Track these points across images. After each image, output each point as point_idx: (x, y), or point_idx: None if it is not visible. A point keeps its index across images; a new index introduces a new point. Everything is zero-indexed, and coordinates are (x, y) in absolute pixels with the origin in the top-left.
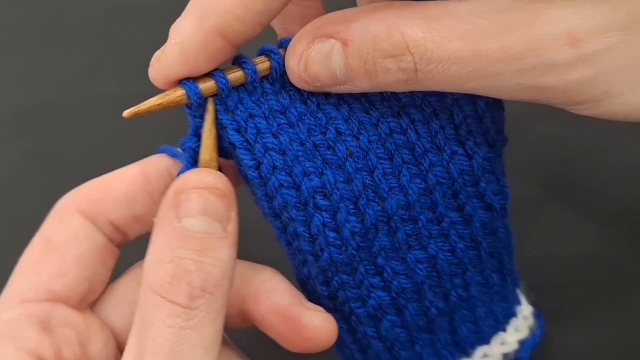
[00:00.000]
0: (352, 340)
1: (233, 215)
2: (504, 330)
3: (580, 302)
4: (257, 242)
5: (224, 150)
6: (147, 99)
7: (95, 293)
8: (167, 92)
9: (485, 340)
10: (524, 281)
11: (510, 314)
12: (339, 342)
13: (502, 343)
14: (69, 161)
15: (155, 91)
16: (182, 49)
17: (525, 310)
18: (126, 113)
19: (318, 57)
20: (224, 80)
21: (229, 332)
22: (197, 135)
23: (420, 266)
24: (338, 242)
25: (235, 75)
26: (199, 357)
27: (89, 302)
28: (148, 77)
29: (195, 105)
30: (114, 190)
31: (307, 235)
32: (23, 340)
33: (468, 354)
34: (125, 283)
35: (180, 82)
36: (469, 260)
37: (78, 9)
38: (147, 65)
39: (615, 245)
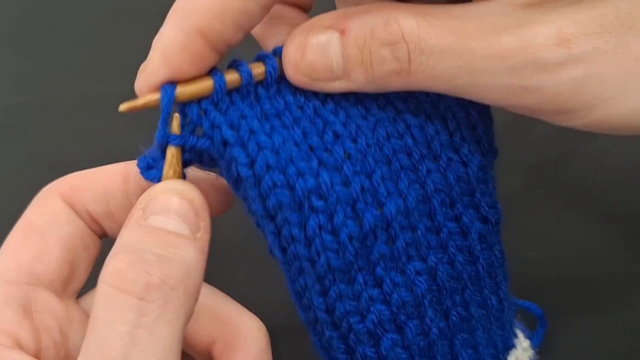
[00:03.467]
0: None
1: (203, 225)
2: None
3: (580, 302)
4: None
5: (208, 157)
6: None
7: (78, 280)
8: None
9: None
10: (521, 285)
11: (510, 344)
12: None
13: None
14: (69, 161)
15: None
16: (163, 52)
17: (523, 343)
18: (122, 107)
19: (316, 45)
20: (220, 81)
21: None
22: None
23: (420, 278)
24: (335, 246)
25: (231, 77)
26: None
27: (73, 290)
28: None
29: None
30: (94, 182)
31: (303, 238)
32: (1, 320)
33: None
34: None
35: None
36: (468, 277)
37: (78, 9)
38: None
39: (614, 245)
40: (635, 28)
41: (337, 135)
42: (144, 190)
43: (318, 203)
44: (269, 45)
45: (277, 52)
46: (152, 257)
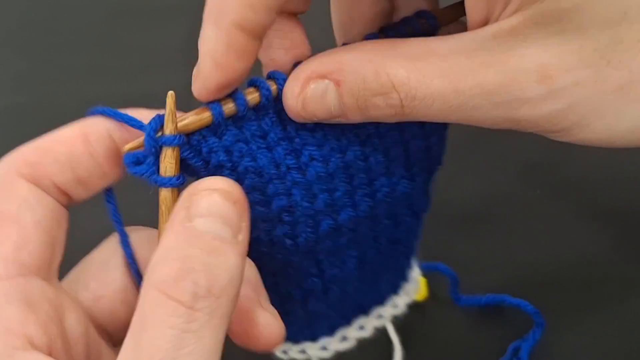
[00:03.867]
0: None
1: (244, 225)
2: (396, 293)
3: (580, 302)
4: None
5: (190, 168)
6: (146, 99)
7: (57, 258)
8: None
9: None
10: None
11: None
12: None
13: (395, 306)
14: None
15: (155, 90)
16: (211, 56)
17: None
18: (127, 147)
19: (314, 96)
20: (219, 115)
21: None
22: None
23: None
24: (293, 248)
25: (228, 108)
26: None
27: (54, 270)
28: (148, 77)
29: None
30: (54, 152)
31: (266, 241)
32: (5, 320)
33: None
34: (94, 259)
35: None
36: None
37: (78, 9)
38: (147, 66)
39: (614, 245)
40: (614, 62)
41: (312, 158)
42: (109, 149)
43: (287, 217)
44: (262, 56)
45: (271, 76)
46: (199, 267)
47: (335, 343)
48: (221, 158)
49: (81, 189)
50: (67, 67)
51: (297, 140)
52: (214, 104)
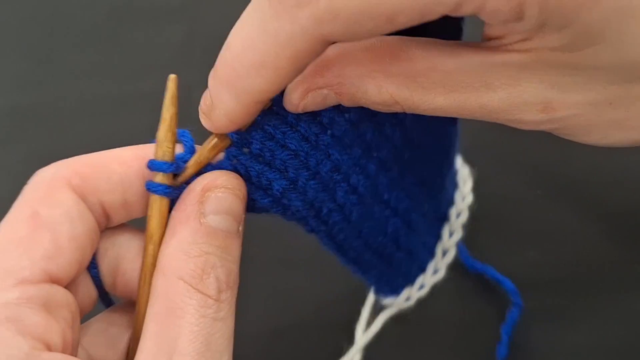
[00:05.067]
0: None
1: (244, 217)
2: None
3: (580, 302)
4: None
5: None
6: (146, 99)
7: (78, 277)
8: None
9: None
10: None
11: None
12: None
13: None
14: None
15: (156, 90)
16: (228, 117)
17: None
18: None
19: (314, 103)
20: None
21: None
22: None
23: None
24: (359, 200)
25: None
26: (225, 347)
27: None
28: (148, 77)
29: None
30: (109, 170)
31: (336, 208)
32: (28, 325)
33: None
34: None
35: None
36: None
37: (78, 9)
38: (147, 65)
39: (615, 245)
40: (616, 104)
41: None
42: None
43: (337, 177)
44: None
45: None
46: (218, 263)
47: (429, 278)
48: (258, 167)
49: (123, 213)
50: (68, 67)
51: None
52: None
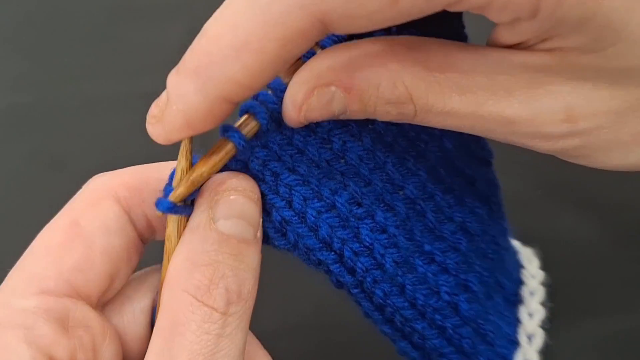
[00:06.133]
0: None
1: (261, 222)
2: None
3: (580, 302)
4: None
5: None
6: (146, 99)
7: (111, 292)
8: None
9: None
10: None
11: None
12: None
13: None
14: (69, 161)
15: (156, 90)
16: (186, 117)
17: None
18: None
19: (318, 106)
20: (241, 141)
21: None
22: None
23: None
24: (391, 243)
25: (250, 128)
26: None
27: (103, 302)
28: (148, 77)
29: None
30: (156, 182)
31: (365, 249)
32: (37, 336)
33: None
34: (134, 287)
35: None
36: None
37: (78, 9)
38: (147, 65)
39: (615, 245)
40: None
41: (343, 142)
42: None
43: (358, 211)
44: None
45: (269, 86)
46: (229, 272)
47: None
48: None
49: None
50: (67, 67)
51: (318, 130)
52: (232, 132)
